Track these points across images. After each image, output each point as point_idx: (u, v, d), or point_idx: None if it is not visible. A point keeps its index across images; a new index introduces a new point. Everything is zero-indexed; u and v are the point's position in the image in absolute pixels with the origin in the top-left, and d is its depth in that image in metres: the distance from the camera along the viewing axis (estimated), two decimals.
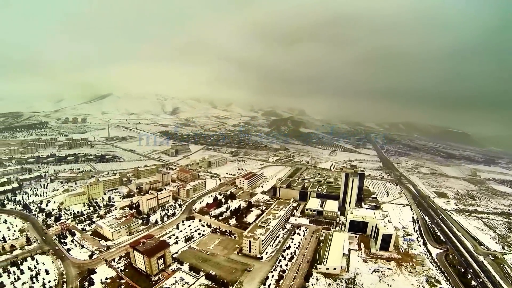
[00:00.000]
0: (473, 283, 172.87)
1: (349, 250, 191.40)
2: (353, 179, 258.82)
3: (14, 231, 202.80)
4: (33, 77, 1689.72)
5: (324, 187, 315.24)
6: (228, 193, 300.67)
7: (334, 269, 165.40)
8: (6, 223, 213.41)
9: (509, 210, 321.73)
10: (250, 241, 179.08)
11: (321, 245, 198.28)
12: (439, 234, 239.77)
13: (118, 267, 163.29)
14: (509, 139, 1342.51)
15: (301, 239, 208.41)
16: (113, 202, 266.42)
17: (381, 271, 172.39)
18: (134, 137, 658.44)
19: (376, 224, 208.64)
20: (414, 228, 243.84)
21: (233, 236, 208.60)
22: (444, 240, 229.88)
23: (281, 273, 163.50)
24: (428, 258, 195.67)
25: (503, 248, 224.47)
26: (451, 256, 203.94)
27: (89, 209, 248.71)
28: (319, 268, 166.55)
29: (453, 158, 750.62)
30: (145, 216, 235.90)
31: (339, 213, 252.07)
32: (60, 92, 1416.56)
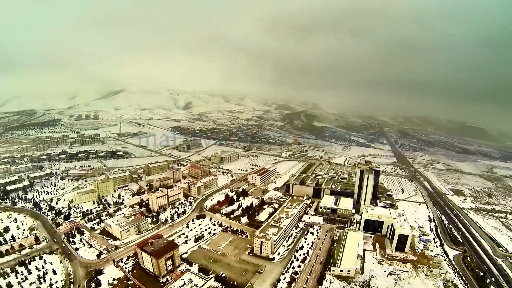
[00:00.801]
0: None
1: (364, 250, 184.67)
2: (368, 176, 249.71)
3: (24, 229, 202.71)
4: (49, 73, 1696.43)
5: (338, 183, 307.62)
6: (240, 190, 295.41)
7: (348, 271, 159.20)
8: (16, 222, 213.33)
9: None
10: (262, 242, 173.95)
11: (335, 245, 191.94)
12: (456, 234, 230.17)
13: (126, 268, 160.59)
14: None
15: (314, 239, 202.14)
16: (123, 200, 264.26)
17: (397, 274, 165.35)
18: (146, 132, 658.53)
19: (392, 224, 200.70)
20: (430, 228, 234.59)
21: (244, 236, 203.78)
22: (461, 241, 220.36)
23: (293, 275, 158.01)
24: (445, 260, 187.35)
25: None
26: (468, 258, 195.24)
27: (99, 207, 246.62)
28: (333, 270, 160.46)
29: (468, 153, 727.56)
30: (154, 214, 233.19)
31: (353, 211, 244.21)
32: (75, 88, 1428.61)
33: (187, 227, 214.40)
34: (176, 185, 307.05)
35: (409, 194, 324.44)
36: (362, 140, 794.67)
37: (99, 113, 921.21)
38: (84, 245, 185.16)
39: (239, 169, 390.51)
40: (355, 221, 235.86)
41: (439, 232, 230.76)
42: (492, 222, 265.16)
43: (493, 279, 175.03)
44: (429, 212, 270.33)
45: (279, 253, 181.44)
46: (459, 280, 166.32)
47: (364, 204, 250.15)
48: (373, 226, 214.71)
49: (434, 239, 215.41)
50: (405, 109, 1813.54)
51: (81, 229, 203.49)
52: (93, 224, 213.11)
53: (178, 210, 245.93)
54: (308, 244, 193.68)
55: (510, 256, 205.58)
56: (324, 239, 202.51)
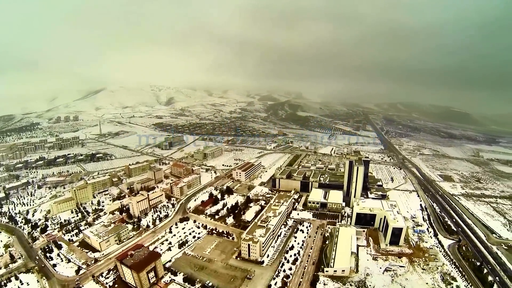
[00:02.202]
0: (490, 278, 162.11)
1: (357, 246, 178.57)
2: (358, 168, 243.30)
3: None
4: (27, 75, 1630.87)
5: (326, 175, 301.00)
6: (225, 187, 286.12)
7: (343, 270, 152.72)
8: None
9: None
10: (249, 245, 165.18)
11: (327, 242, 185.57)
12: (449, 223, 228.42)
13: (107, 283, 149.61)
14: (509, 118, 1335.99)
15: (304, 237, 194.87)
16: (103, 206, 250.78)
17: (393, 270, 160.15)
18: (127, 132, 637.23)
19: (385, 217, 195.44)
20: (423, 217, 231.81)
21: (231, 238, 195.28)
22: (455, 229, 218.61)
23: (284, 279, 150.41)
24: (440, 251, 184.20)
25: None
26: (464, 248, 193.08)
27: (77, 216, 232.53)
28: (326, 271, 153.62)
29: (454, 138, 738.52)
30: (136, 220, 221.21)
31: (344, 204, 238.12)
32: (54, 90, 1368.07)
33: (170, 232, 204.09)
34: (158, 186, 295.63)
35: (399, 182, 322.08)
36: (347, 128, 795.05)
37: (80, 114, 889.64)
38: (62, 260, 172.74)
39: (223, 165, 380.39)
40: (346, 214, 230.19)
41: (432, 221, 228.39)
42: (483, 207, 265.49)
43: (489, 268, 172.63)
44: (421, 201, 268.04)
45: (268, 255, 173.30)
46: (457, 272, 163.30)
47: (354, 197, 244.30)
48: (365, 220, 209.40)
49: (428, 229, 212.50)
50: (389, 95, 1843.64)
51: (59, 242, 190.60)
52: (71, 236, 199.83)
53: (161, 213, 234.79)
54: (298, 244, 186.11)
55: (504, 242, 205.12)
56: (315, 237, 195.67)
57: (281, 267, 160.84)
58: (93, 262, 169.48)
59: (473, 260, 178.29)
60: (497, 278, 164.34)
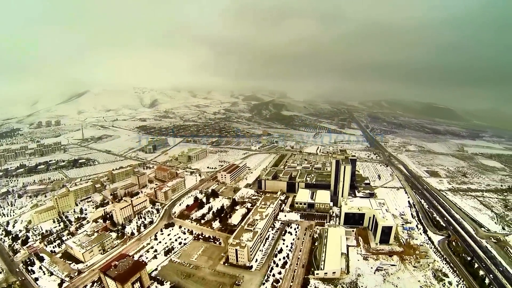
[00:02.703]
0: (481, 272, 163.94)
1: (347, 247, 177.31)
2: (344, 167, 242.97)
3: None
4: (7, 79, 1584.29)
5: (312, 175, 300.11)
6: (210, 190, 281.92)
7: (333, 272, 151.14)
8: None
9: (501, 186, 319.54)
10: (236, 250, 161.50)
11: (316, 244, 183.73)
12: (438, 218, 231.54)
13: None
14: (491, 113, 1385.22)
15: (293, 239, 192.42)
16: (86, 214, 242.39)
17: (384, 269, 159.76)
18: (110, 135, 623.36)
19: (374, 215, 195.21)
20: (412, 214, 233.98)
21: (218, 243, 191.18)
22: (444, 225, 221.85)
23: (274, 283, 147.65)
24: (431, 247, 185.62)
25: (503, 228, 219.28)
26: (454, 243, 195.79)
27: (59, 225, 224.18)
28: (317, 274, 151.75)
29: (438, 133, 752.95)
30: (120, 227, 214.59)
31: (331, 204, 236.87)
32: (35, 94, 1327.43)
33: (156, 239, 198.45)
34: (142, 191, 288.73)
35: (386, 180, 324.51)
36: (332, 126, 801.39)
37: (62, 118, 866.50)
38: (45, 273, 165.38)
39: (207, 167, 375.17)
40: (334, 214, 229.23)
41: (421, 218, 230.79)
42: (471, 202, 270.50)
43: (483, 264, 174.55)
44: (409, 197, 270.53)
45: (256, 259, 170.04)
46: (448, 267, 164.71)
47: (342, 196, 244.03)
48: (353, 219, 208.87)
49: (417, 226, 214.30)
50: (373, 93, 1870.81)
51: (41, 254, 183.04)
52: (53, 247, 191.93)
53: (145, 220, 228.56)
54: (287, 246, 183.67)
55: (493, 236, 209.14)
56: (303, 239, 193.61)
57: (270, 271, 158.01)
58: (76, 274, 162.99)
59: (463, 255, 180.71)
60: (488, 272, 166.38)
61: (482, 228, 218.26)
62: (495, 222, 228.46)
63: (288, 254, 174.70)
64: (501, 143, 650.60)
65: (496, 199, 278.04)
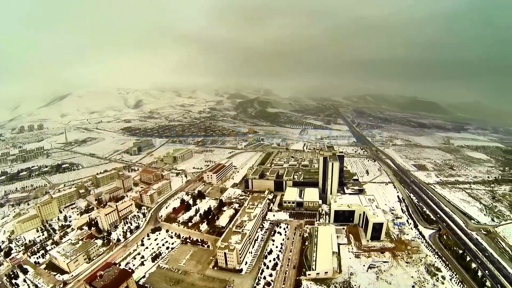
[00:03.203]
0: (473, 265, 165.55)
1: (338, 245, 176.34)
2: (332, 164, 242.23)
3: None
4: None
5: (300, 173, 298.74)
6: (196, 192, 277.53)
7: (326, 272, 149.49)
8: None
9: (488, 177, 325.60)
10: (225, 253, 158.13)
11: (307, 244, 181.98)
12: (428, 212, 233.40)
13: None
14: (474, 106, 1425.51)
15: (283, 240, 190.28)
16: (70, 221, 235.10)
17: (377, 266, 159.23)
18: (94, 138, 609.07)
19: (364, 212, 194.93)
20: (402, 209, 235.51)
21: (206, 246, 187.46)
22: (434, 218, 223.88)
23: (265, 286, 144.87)
24: (422, 242, 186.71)
25: (492, 220, 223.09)
26: (445, 237, 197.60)
27: (43, 235, 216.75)
28: (309, 274, 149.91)
29: (424, 127, 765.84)
30: (105, 234, 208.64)
31: (320, 202, 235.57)
32: (17, 97, 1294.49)
33: (142, 244, 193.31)
34: (127, 195, 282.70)
35: (374, 175, 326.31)
36: (318, 122, 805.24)
37: (44, 122, 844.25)
38: (29, 286, 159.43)
39: (193, 168, 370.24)
40: (323, 212, 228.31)
41: (411, 212, 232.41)
42: (459, 194, 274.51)
43: (472, 255, 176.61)
44: (398, 192, 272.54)
45: (246, 262, 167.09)
46: (440, 262, 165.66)
47: (331, 194, 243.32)
48: (343, 216, 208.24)
49: (407, 221, 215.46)
50: (358, 88, 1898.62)
51: (25, 266, 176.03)
52: (37, 258, 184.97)
53: (131, 225, 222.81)
54: (277, 247, 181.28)
55: (483, 227, 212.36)
56: (293, 239, 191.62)
57: (261, 274, 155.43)
58: (61, 285, 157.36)
59: (455, 248, 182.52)
60: (480, 264, 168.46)
61: (472, 221, 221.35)
62: (484, 214, 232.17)
63: (278, 255, 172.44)
64: (485, 135, 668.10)
65: (483, 191, 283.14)
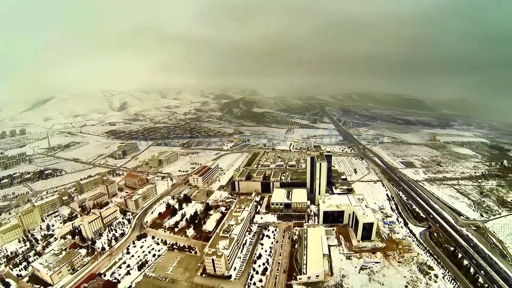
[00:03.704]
0: (465, 262, 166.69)
1: (329, 247, 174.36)
2: (320, 164, 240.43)
3: None
4: None
5: (287, 173, 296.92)
6: (182, 195, 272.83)
7: (317, 276, 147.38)
8: None
9: (475, 173, 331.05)
10: (213, 259, 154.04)
11: (296, 246, 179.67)
12: (417, 210, 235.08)
13: None
14: (459, 102, 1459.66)
15: (272, 243, 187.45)
16: (53, 230, 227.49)
17: (369, 267, 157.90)
18: (78, 142, 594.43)
19: (354, 212, 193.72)
20: (391, 207, 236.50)
21: (193, 252, 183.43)
22: (424, 216, 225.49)
23: None
24: (413, 240, 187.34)
25: (481, 215, 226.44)
26: (435, 234, 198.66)
27: (25, 245, 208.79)
28: (300, 279, 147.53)
29: (410, 124, 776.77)
30: (89, 242, 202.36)
31: (309, 202, 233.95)
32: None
33: (128, 252, 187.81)
34: (112, 201, 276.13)
35: (362, 173, 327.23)
36: (304, 121, 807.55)
37: (27, 126, 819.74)
38: None
39: (179, 171, 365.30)
40: (312, 213, 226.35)
41: (400, 210, 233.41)
42: (448, 190, 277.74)
43: (463, 251, 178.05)
44: (387, 190, 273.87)
45: (235, 268, 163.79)
46: (432, 260, 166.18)
47: (319, 194, 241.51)
48: (333, 217, 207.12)
49: (397, 219, 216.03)
50: (343, 87, 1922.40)
51: (6, 280, 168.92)
52: (20, 270, 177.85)
53: (116, 232, 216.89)
54: (266, 251, 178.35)
55: (473, 223, 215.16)
56: (283, 242, 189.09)
57: (251, 279, 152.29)
58: None
59: (446, 245, 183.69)
60: (471, 260, 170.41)
61: (461, 217, 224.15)
62: (473, 210, 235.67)
63: (267, 259, 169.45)
64: (470, 131, 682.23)
65: (471, 186, 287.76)
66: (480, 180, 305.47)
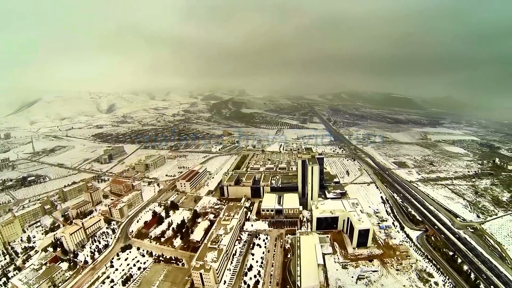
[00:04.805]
0: (465, 267, 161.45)
1: (323, 255, 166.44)
2: (312, 167, 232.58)
3: None
4: None
5: (278, 177, 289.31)
6: (169, 202, 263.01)
7: None
8: None
9: (468, 172, 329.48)
10: (201, 273, 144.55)
11: (289, 256, 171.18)
12: (413, 212, 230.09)
13: None
14: (446, 100, 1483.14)
15: (263, 253, 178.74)
16: (34, 243, 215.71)
17: (366, 277, 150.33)
18: (64, 147, 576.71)
19: (348, 218, 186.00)
20: (386, 211, 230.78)
21: (180, 264, 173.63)
22: (420, 218, 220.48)
23: None
24: (410, 246, 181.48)
25: (478, 216, 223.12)
26: (432, 238, 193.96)
27: (5, 259, 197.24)
28: None
29: (400, 123, 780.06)
30: (71, 255, 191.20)
31: (301, 208, 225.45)
32: None
33: (112, 266, 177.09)
34: (96, 210, 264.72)
35: (355, 175, 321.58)
36: (294, 122, 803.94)
37: (12, 130, 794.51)
38: None
39: (166, 175, 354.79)
40: (305, 219, 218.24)
41: (396, 213, 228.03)
42: (442, 191, 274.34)
43: (462, 255, 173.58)
44: (381, 192, 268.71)
45: (225, 281, 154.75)
46: (432, 266, 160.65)
47: (312, 199, 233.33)
48: (326, 223, 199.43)
49: (393, 223, 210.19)
50: (332, 86, 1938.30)
51: None
52: None
53: (100, 243, 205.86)
54: (257, 262, 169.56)
55: (469, 225, 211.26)
56: (274, 251, 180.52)
57: None
58: None
59: (444, 250, 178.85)
60: (472, 265, 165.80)
61: (458, 218, 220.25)
62: (469, 211, 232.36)
63: (259, 271, 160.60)
64: (460, 129, 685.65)
65: (465, 186, 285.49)
66: (473, 179, 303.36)
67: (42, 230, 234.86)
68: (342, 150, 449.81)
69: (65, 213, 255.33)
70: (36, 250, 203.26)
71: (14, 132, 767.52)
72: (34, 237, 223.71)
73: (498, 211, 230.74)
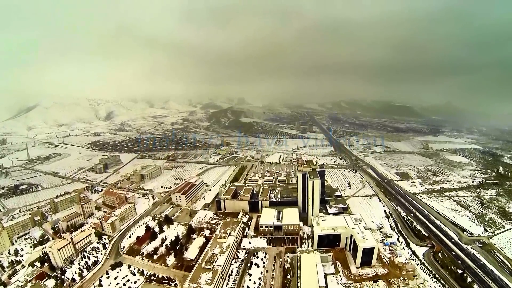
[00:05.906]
0: (476, 286, 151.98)
1: (325, 276, 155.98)
2: (313, 181, 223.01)
3: None
4: None
5: (277, 190, 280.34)
6: (163, 216, 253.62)
7: None
8: None
9: (472, 182, 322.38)
10: None
11: (289, 277, 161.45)
12: (418, 227, 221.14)
13: None
14: (445, 108, 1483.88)
15: (261, 273, 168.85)
16: (22, 256, 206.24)
17: None
18: (59, 154, 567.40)
19: (352, 235, 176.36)
20: (390, 226, 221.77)
21: (173, 284, 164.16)
22: (426, 234, 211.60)
23: None
24: (417, 264, 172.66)
25: (485, 230, 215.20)
26: (440, 254, 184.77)
27: None
28: None
29: (400, 131, 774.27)
30: (59, 272, 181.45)
31: (301, 224, 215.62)
32: None
33: (100, 285, 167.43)
34: (87, 222, 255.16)
35: (357, 187, 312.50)
36: (294, 131, 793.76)
37: (9, 136, 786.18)
38: None
39: (162, 187, 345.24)
40: (305, 236, 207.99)
41: (400, 228, 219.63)
42: (447, 203, 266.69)
43: (471, 273, 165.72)
44: (384, 206, 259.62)
45: None
46: (440, 286, 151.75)
47: (313, 215, 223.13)
48: (328, 240, 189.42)
49: (398, 239, 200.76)
50: (332, 94, 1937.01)
51: None
52: None
53: (89, 259, 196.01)
54: (254, 283, 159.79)
55: (477, 240, 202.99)
56: (273, 271, 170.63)
57: None
58: None
59: (453, 268, 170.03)
60: (483, 284, 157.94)
61: (465, 232, 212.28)
62: (476, 224, 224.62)
63: None
64: (461, 137, 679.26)
65: (471, 197, 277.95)
66: (478, 190, 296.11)
67: (31, 243, 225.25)
68: (343, 161, 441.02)
69: (55, 225, 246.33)
70: (23, 265, 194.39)
71: (11, 138, 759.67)
72: (22, 250, 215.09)
73: (506, 223, 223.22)
